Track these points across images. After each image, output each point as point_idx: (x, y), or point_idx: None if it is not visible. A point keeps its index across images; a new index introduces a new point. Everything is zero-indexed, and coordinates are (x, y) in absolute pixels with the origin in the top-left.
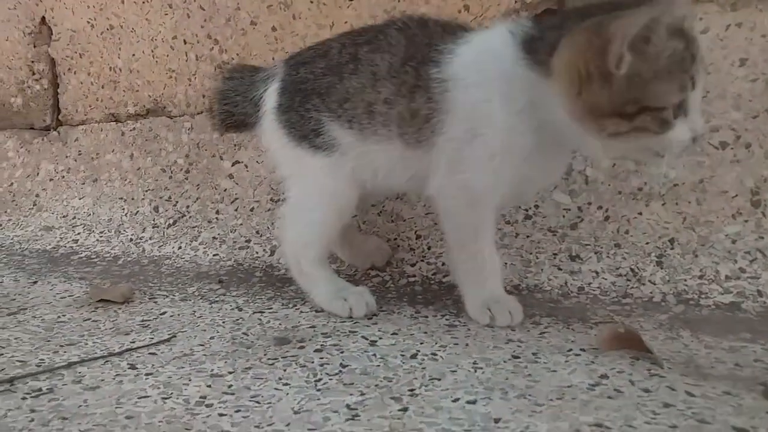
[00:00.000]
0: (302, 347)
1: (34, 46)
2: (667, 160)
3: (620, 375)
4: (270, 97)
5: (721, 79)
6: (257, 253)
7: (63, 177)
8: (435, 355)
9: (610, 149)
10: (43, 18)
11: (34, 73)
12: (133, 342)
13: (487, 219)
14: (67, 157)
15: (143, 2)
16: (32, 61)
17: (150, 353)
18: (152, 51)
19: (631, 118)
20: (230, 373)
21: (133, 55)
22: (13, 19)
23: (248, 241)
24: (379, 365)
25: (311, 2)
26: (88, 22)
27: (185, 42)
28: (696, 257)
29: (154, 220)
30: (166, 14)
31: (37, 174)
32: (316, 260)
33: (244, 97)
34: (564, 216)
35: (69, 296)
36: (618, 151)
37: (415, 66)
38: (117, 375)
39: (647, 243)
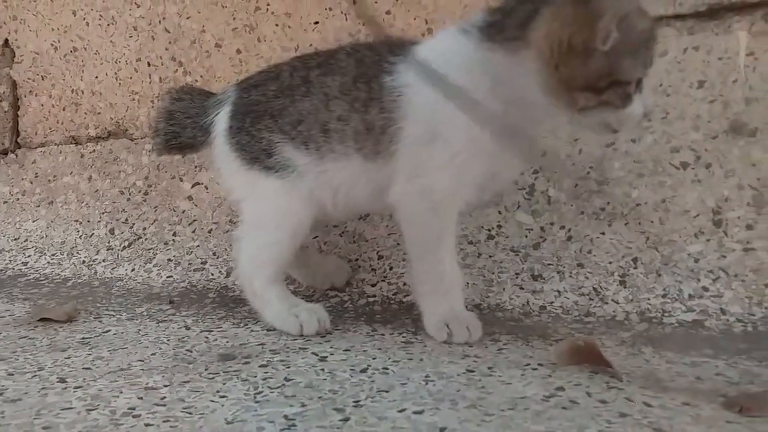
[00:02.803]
0: (247, 362)
1: None
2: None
3: (577, 387)
4: (221, 120)
5: (680, 100)
6: (212, 274)
7: (18, 199)
8: (386, 369)
9: (576, 124)
10: (6, 40)
11: None
12: (68, 358)
13: (450, 226)
14: (23, 179)
15: (108, 25)
16: None
17: (84, 368)
18: (116, 73)
19: (600, 92)
20: (165, 386)
21: (96, 77)
22: None
23: (204, 263)
24: (325, 379)
25: (276, 25)
26: (52, 45)
27: (149, 64)
28: (659, 276)
29: (108, 243)
30: (131, 36)
31: None
32: (270, 280)
33: (193, 121)
34: (527, 236)
35: (9, 316)
36: (582, 126)
37: (367, 81)
38: (43, 388)
39: (610, 262)
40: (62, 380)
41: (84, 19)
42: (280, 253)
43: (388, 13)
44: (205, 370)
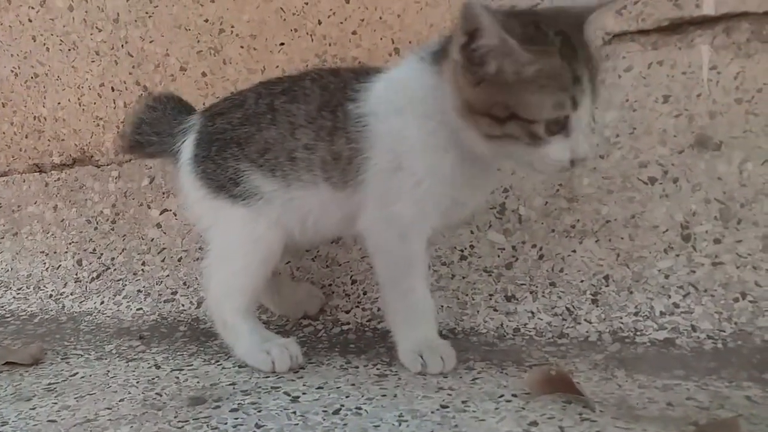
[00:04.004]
0: (218, 407)
1: None
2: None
3: (550, 421)
4: (186, 149)
5: (645, 115)
6: (183, 305)
7: None
8: (359, 409)
9: (491, 151)
10: None
11: None
12: (33, 408)
13: (419, 252)
14: None
15: (69, 50)
16: None
17: (49, 420)
18: (78, 99)
19: (502, 122)
20: None
21: (59, 103)
22: None
23: (174, 293)
24: (297, 424)
25: (241, 47)
26: (12, 71)
27: (113, 89)
28: (631, 294)
29: (76, 274)
30: (93, 61)
31: None
32: (240, 311)
33: (160, 139)
34: (499, 255)
35: None
36: (498, 156)
37: (332, 110)
38: None
39: (582, 281)
40: None
41: (44, 44)
42: (249, 282)
43: (354, 33)
44: (174, 417)
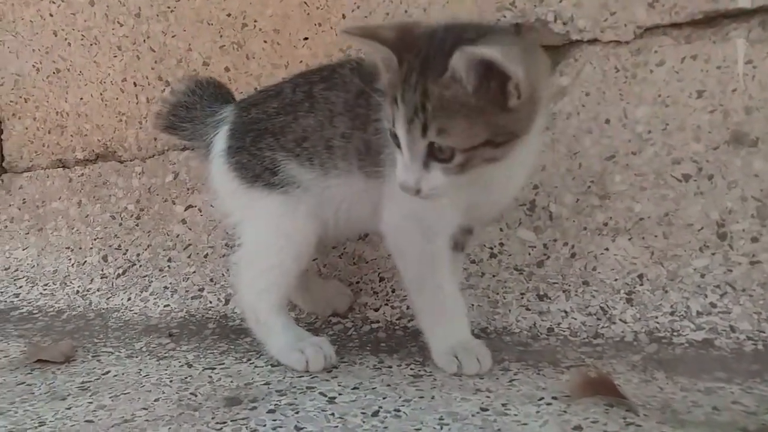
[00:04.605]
0: (254, 408)
1: None
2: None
3: (595, 426)
4: (219, 141)
5: (679, 111)
6: (211, 302)
7: (6, 227)
8: (398, 411)
9: None
10: None
11: None
12: (69, 408)
13: (442, 251)
14: (10, 205)
15: (91, 45)
16: None
17: (86, 420)
18: (101, 94)
19: None
20: None
21: (81, 98)
22: None
23: (201, 290)
24: (337, 426)
25: (265, 42)
26: (33, 66)
27: (135, 84)
28: (666, 293)
29: (102, 270)
30: (115, 56)
31: None
32: (274, 308)
33: (192, 126)
34: (530, 253)
35: (4, 357)
36: None
37: (367, 98)
38: None
39: (615, 280)
40: None
41: (66, 39)
42: (283, 276)
43: None
44: (212, 419)
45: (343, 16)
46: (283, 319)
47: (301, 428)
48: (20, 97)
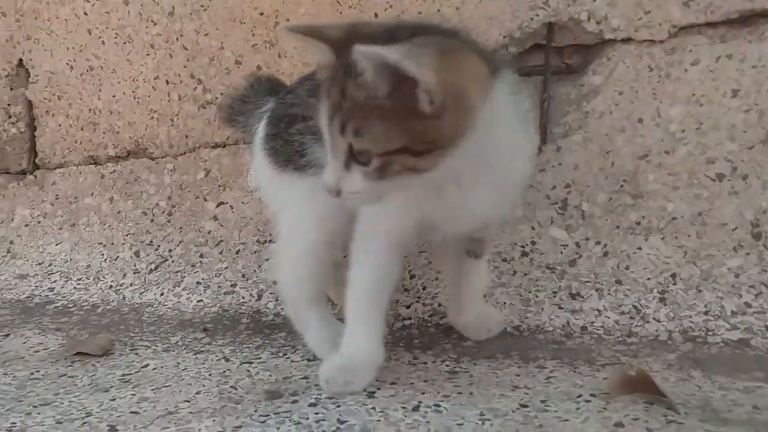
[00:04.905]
0: (295, 401)
1: (11, 89)
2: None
3: (636, 423)
4: (260, 130)
5: (714, 110)
6: (243, 298)
7: (39, 222)
8: (438, 406)
9: None
10: (21, 60)
11: (10, 116)
12: (113, 400)
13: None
14: (43, 201)
15: (124, 43)
16: (8, 104)
17: (132, 412)
18: (133, 92)
19: None
20: None
21: (114, 96)
22: None
23: (234, 285)
24: (379, 420)
25: (297, 40)
26: (67, 64)
27: (167, 82)
28: (700, 292)
29: (135, 266)
30: (148, 54)
31: (12, 219)
32: (312, 299)
33: (244, 119)
34: (562, 252)
35: (43, 350)
36: None
37: None
38: None
39: (648, 279)
40: (113, 428)
41: (100, 37)
42: (317, 262)
43: None
44: (255, 411)
45: (376, 15)
46: (320, 312)
47: (344, 421)
48: (53, 94)
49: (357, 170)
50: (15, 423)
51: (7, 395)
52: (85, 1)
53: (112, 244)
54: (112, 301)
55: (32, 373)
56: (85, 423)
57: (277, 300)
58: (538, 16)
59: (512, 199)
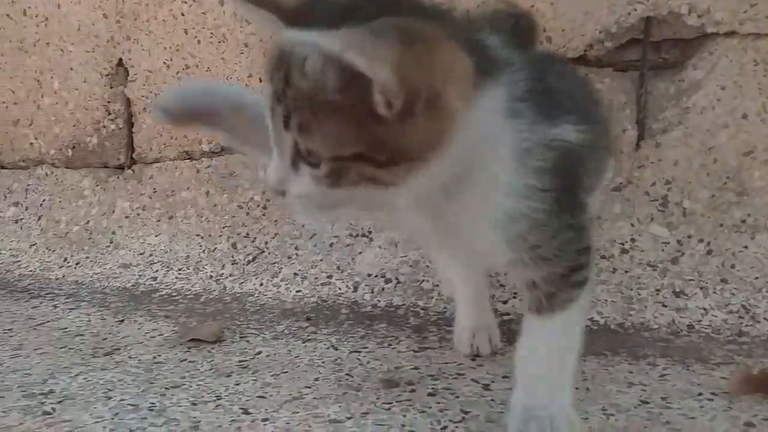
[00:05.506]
0: (413, 391)
1: (111, 87)
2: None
3: (766, 423)
4: None
5: None
6: (340, 289)
7: (138, 215)
8: None
9: None
10: (120, 60)
11: (109, 113)
12: (238, 384)
13: None
14: (142, 194)
15: (219, 42)
16: (108, 102)
17: (258, 396)
18: None
19: None
20: (348, 418)
21: None
22: (91, 62)
23: (330, 277)
24: (501, 411)
25: None
26: (165, 63)
27: (261, 80)
28: None
29: (233, 257)
30: (242, 53)
31: (113, 212)
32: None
33: None
34: (663, 250)
35: (159, 335)
36: None
37: None
38: (233, 420)
39: (756, 278)
40: (246, 411)
41: (195, 37)
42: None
43: None
44: (377, 399)
45: (468, 13)
46: (462, 298)
47: (467, 412)
48: (151, 92)
49: (306, 172)
50: (154, 403)
51: (139, 377)
52: (182, 2)
53: (210, 236)
54: (214, 291)
55: (154, 357)
56: (218, 405)
57: (373, 291)
58: (635, 10)
59: (510, 240)
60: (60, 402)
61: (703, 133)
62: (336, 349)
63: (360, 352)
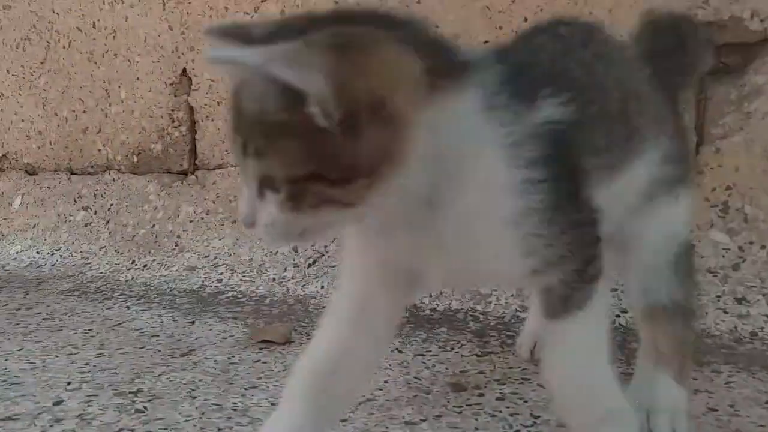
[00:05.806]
0: (481, 395)
1: (175, 96)
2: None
3: None
4: None
5: None
6: None
7: (202, 219)
8: None
9: None
10: (184, 69)
11: (173, 121)
12: None
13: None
14: (205, 199)
15: None
16: (172, 110)
17: None
18: None
19: None
20: (423, 420)
21: None
22: (156, 72)
23: None
24: None
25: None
26: (227, 72)
27: None
28: None
29: (294, 260)
30: None
31: (178, 216)
32: None
33: None
34: (723, 256)
35: (230, 336)
36: None
37: None
38: None
39: None
40: None
41: None
42: None
43: None
44: (447, 402)
45: (525, 19)
46: (534, 302)
47: (537, 416)
48: (213, 100)
49: (271, 199)
50: (236, 403)
51: (218, 377)
52: (245, 14)
53: None
54: (278, 293)
55: (229, 358)
56: None
57: (431, 296)
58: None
59: (509, 250)
60: (150, 401)
61: (765, 139)
62: (401, 352)
63: (424, 355)
